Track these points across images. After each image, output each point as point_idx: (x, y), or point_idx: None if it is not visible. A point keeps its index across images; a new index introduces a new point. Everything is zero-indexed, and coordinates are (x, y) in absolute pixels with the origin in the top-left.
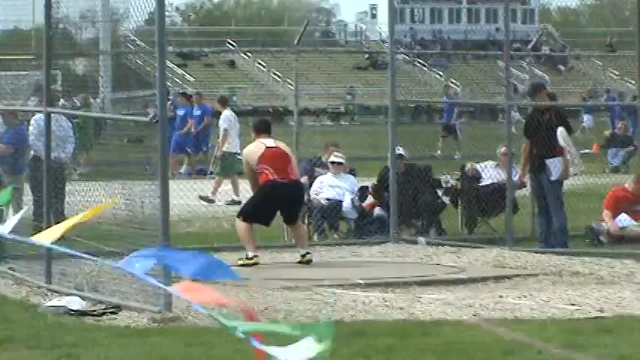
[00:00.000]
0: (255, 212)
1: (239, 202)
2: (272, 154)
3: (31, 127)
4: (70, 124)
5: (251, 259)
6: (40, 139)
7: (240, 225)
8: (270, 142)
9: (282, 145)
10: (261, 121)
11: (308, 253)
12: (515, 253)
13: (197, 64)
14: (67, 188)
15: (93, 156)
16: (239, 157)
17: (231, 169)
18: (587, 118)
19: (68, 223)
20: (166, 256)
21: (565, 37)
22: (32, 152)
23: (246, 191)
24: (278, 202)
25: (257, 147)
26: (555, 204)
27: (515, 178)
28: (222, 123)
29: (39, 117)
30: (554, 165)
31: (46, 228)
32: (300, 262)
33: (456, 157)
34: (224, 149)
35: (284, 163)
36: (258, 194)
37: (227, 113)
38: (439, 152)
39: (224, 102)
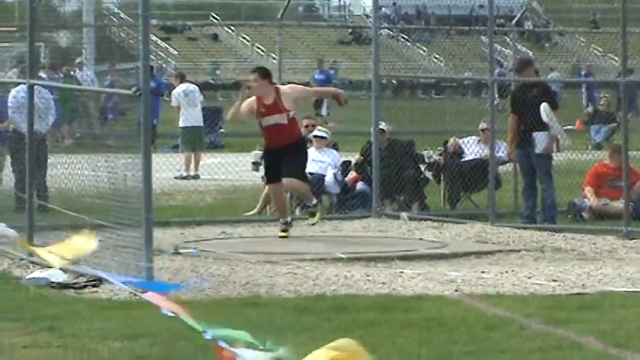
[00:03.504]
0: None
1: (189, 177)
2: None
3: (9, 102)
4: (51, 96)
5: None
6: (17, 112)
7: (273, 190)
8: None
9: None
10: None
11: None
12: (498, 229)
13: (180, 37)
14: (49, 160)
15: (76, 129)
16: (198, 129)
17: (187, 144)
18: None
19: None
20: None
21: (549, 12)
22: (11, 126)
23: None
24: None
25: None
26: (545, 178)
27: (502, 154)
28: (173, 101)
29: (16, 91)
30: (539, 138)
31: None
32: (281, 231)
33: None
34: (180, 125)
35: None
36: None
37: (177, 90)
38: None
39: (179, 77)
